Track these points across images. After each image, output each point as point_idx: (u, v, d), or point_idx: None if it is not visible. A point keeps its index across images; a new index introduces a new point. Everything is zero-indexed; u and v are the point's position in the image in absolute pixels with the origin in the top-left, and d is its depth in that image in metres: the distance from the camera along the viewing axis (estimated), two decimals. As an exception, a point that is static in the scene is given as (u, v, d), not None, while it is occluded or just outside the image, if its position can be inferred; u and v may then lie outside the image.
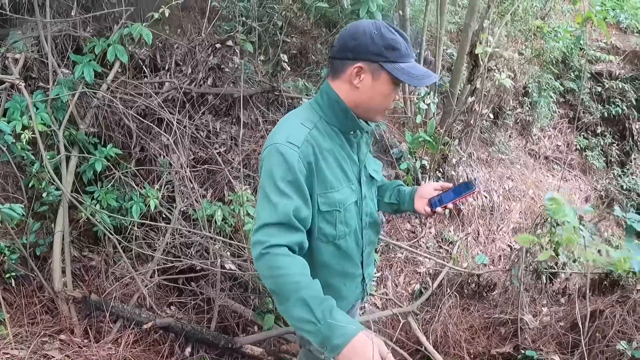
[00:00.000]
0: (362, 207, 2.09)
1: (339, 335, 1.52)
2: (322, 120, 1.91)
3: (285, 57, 4.57)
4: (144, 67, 4.48)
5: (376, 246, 2.50)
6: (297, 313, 1.60)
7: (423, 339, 3.69)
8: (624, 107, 7.98)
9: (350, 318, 1.60)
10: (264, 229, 1.71)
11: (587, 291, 3.58)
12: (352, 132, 1.98)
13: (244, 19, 4.82)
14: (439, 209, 2.13)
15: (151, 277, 3.71)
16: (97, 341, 3.32)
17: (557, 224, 3.52)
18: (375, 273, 4.11)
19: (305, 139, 1.82)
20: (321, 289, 1.66)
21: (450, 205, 2.12)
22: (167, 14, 3.88)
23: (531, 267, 4.02)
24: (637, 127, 8.07)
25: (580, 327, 3.25)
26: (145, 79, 4.47)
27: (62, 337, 3.26)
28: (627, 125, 8.06)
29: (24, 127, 3.51)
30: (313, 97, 2.02)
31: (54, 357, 3.02)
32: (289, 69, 4.72)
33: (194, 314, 3.74)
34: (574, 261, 4.12)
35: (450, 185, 2.17)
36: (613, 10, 9.34)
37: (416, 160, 4.61)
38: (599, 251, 3.37)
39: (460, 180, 5.23)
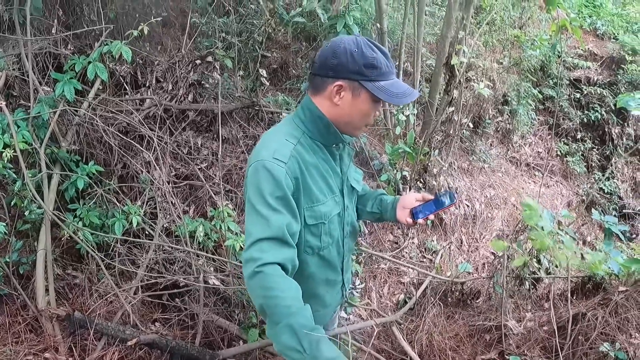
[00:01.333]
0: (344, 218, 2.12)
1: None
2: (305, 135, 1.93)
3: (264, 72, 4.60)
4: (124, 84, 4.49)
5: (353, 252, 2.52)
6: (285, 340, 1.59)
7: (408, 348, 3.70)
8: (603, 112, 8.09)
9: (337, 351, 1.60)
10: (257, 244, 1.69)
11: (569, 294, 3.62)
12: (334, 145, 2.00)
13: (223, 34, 4.85)
14: (420, 220, 2.15)
15: (135, 293, 3.71)
16: (82, 359, 3.32)
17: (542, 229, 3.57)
18: (359, 284, 4.13)
19: (291, 155, 1.82)
20: (311, 315, 1.65)
21: (431, 217, 2.14)
22: (146, 32, 3.89)
23: (513, 273, 4.06)
24: (616, 131, 8.18)
25: (556, 330, 3.29)
26: (127, 95, 4.48)
27: (47, 355, 3.25)
28: (606, 129, 8.18)
29: (5, 146, 3.49)
30: (294, 112, 2.03)
31: (38, 376, 3.02)
32: (268, 83, 4.76)
33: (179, 330, 3.73)
34: (557, 266, 4.16)
35: (432, 196, 2.18)
36: (590, 17, 9.50)
37: (397, 171, 4.64)
38: (576, 254, 3.44)
39: (442, 190, 5.28)
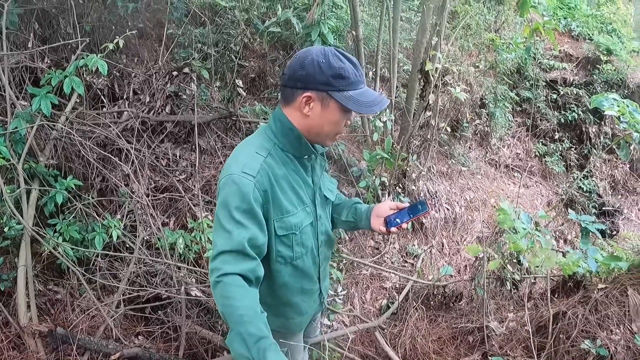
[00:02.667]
0: (317, 227, 2.14)
1: None
2: (277, 147, 1.94)
3: (240, 83, 4.61)
4: (102, 96, 4.48)
5: (331, 260, 2.55)
6: (236, 346, 1.64)
7: (391, 353, 3.73)
8: (580, 112, 8.21)
9: (283, 359, 1.63)
10: (220, 256, 1.74)
11: (549, 294, 3.67)
12: (306, 157, 2.02)
13: (200, 45, 4.86)
14: (393, 229, 2.17)
15: (117, 307, 3.69)
16: (66, 375, 3.31)
17: (516, 232, 3.62)
18: (341, 291, 4.15)
19: (261, 168, 1.85)
20: (266, 324, 1.68)
21: (404, 225, 2.16)
22: (122, 44, 3.89)
23: (494, 275, 4.10)
24: (593, 130, 8.31)
25: (534, 331, 3.32)
26: (104, 108, 4.47)
27: (30, 372, 3.24)
28: (583, 129, 8.30)
29: (-17, 162, 3.47)
30: (266, 123, 2.04)
31: (21, 393, 3.00)
32: (244, 94, 4.77)
33: (162, 343, 3.72)
34: (537, 266, 4.21)
35: (406, 205, 2.21)
36: (565, 19, 9.63)
37: (375, 177, 4.66)
38: (553, 254, 3.49)
39: (421, 195, 5.32)
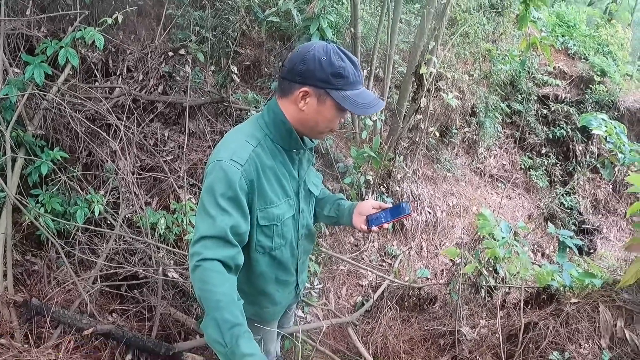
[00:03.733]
0: (299, 220, 2.16)
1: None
2: (267, 137, 1.95)
3: (235, 69, 4.61)
4: (95, 71, 4.46)
5: (310, 254, 2.57)
6: (210, 331, 1.66)
7: (362, 349, 3.76)
8: (569, 130, 8.29)
9: (255, 348, 1.66)
10: (201, 241, 1.76)
11: (522, 303, 3.71)
12: (294, 150, 2.04)
13: (198, 28, 4.85)
14: (374, 228, 2.20)
15: (93, 283, 3.68)
16: (38, 346, 3.28)
17: (495, 239, 3.66)
18: (317, 284, 4.17)
19: (249, 157, 1.86)
20: (241, 311, 1.71)
21: (386, 225, 2.19)
22: (120, 20, 3.88)
23: (470, 281, 4.14)
24: (580, 149, 8.38)
25: (505, 338, 3.36)
26: (96, 83, 4.45)
27: (2, 341, 3.21)
28: (570, 146, 8.37)
29: (-29, 126, 3.45)
30: (260, 112, 2.05)
31: (-8, 361, 2.99)
32: (238, 80, 4.77)
33: (136, 322, 3.72)
34: (513, 275, 4.26)
35: (388, 205, 2.23)
36: (562, 36, 9.70)
37: (361, 175, 4.69)
38: (529, 265, 3.54)
39: (404, 197, 5.35)
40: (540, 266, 3.90)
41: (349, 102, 1.84)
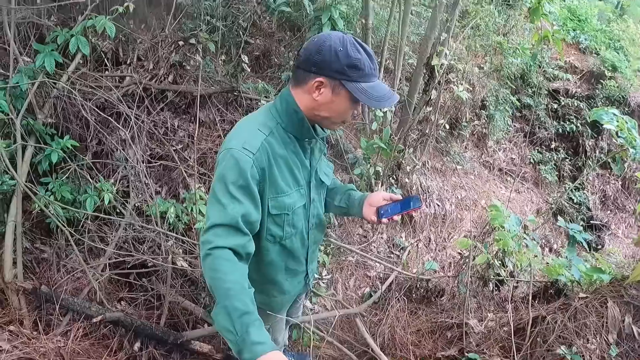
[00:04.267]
0: (309, 210, 2.17)
1: (249, 351, 1.60)
2: (279, 126, 1.95)
3: (245, 59, 4.60)
4: (105, 59, 4.46)
5: (321, 244, 2.57)
6: (221, 320, 1.66)
7: (370, 340, 3.76)
8: (579, 125, 8.22)
9: (265, 337, 1.65)
10: (212, 229, 1.76)
11: (530, 297, 3.70)
12: (306, 139, 2.03)
13: (208, 17, 4.84)
14: (384, 220, 2.21)
15: (103, 271, 3.71)
16: (47, 333, 3.31)
17: (507, 231, 3.64)
18: (325, 275, 4.18)
19: (261, 146, 1.86)
20: (252, 299, 1.71)
21: (396, 217, 2.20)
22: (131, 9, 3.88)
23: (478, 274, 4.13)
24: (590, 144, 8.32)
25: (514, 331, 3.35)
26: (107, 72, 4.46)
27: (11, 328, 3.25)
28: (580, 142, 8.31)
29: (-19, 114, 3.47)
30: (272, 101, 2.05)
31: (2, 348, 3.00)
32: (249, 70, 4.76)
33: (144, 310, 3.74)
34: (522, 269, 4.25)
35: (399, 197, 2.24)
36: (574, 30, 9.62)
37: (370, 166, 4.67)
38: (539, 257, 3.52)
39: (413, 188, 5.34)
40: (547, 263, 3.88)
41: (363, 94, 1.83)
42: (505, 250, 3.79)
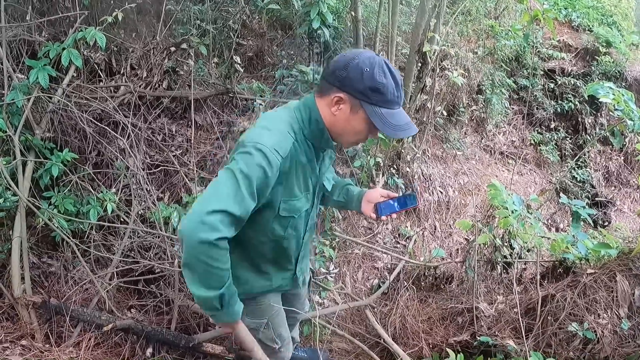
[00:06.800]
0: (311, 214, 2.21)
1: (229, 315, 1.90)
2: (301, 132, 1.96)
3: (238, 59, 4.61)
4: (99, 71, 4.48)
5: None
6: (211, 301, 1.81)
7: (381, 331, 3.77)
8: (577, 103, 8.20)
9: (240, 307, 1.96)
10: (221, 214, 1.72)
11: (538, 277, 3.70)
12: (322, 149, 2.06)
13: (198, 22, 4.85)
14: (383, 217, 2.26)
15: (110, 280, 3.72)
16: (58, 345, 3.32)
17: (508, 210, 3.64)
18: (333, 269, 4.19)
19: (290, 151, 1.87)
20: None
21: (394, 215, 2.24)
22: (120, 18, 3.88)
23: (485, 257, 4.13)
24: (589, 121, 8.30)
25: (524, 312, 3.35)
26: (101, 82, 4.47)
27: (24, 342, 3.25)
28: (579, 119, 8.28)
29: (-21, 133, 3.48)
30: (296, 104, 2.04)
31: (15, 362, 3.02)
32: (242, 70, 4.76)
33: (155, 316, 3.75)
34: (528, 250, 4.25)
35: (396, 194, 2.28)
36: (565, 9, 9.60)
37: (370, 157, 4.67)
38: (542, 235, 3.52)
39: (416, 177, 5.35)
40: (553, 240, 3.87)
41: (380, 119, 1.83)
42: (510, 231, 3.79)
